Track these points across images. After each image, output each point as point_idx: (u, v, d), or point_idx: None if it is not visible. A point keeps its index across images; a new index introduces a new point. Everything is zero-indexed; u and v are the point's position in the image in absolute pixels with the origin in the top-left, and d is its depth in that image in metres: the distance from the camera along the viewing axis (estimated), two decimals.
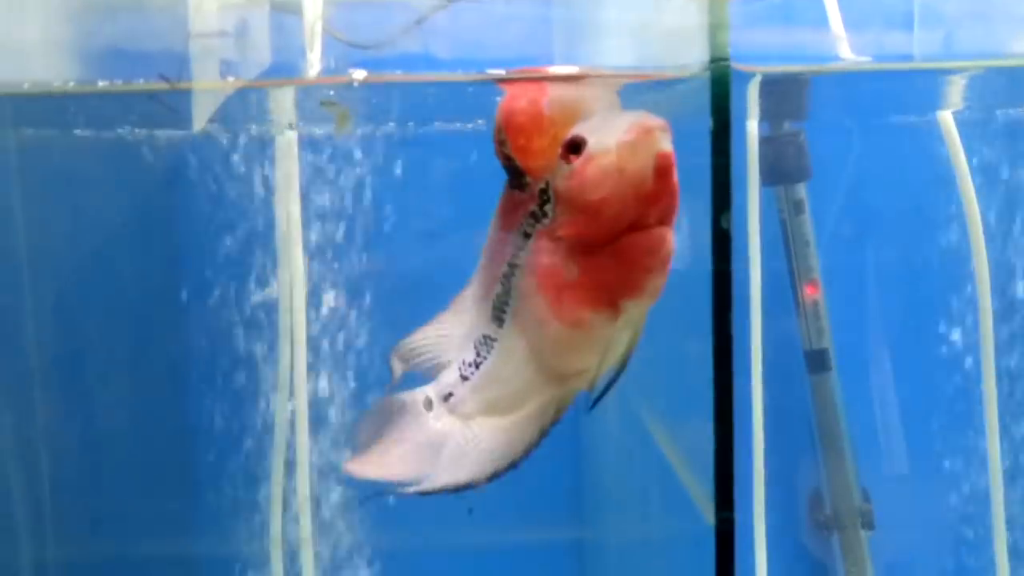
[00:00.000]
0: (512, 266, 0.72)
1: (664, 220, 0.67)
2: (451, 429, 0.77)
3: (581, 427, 1.42)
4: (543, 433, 0.74)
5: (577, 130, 0.68)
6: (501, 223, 0.74)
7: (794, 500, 1.56)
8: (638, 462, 1.10)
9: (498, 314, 0.74)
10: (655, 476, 0.94)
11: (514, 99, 0.71)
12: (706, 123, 0.68)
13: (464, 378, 0.77)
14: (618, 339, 0.70)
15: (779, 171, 1.51)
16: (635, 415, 1.04)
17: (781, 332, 1.52)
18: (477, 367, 0.76)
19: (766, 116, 1.45)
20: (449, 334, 0.78)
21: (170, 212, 1.49)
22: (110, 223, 1.42)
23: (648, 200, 0.65)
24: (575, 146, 0.67)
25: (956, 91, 1.34)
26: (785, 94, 1.39)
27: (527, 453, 0.74)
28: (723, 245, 0.66)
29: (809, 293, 1.53)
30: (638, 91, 0.89)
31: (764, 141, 1.47)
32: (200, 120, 1.37)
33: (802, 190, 1.51)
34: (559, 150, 0.68)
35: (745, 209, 1.45)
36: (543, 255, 0.70)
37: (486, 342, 0.75)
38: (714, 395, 0.65)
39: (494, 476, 0.75)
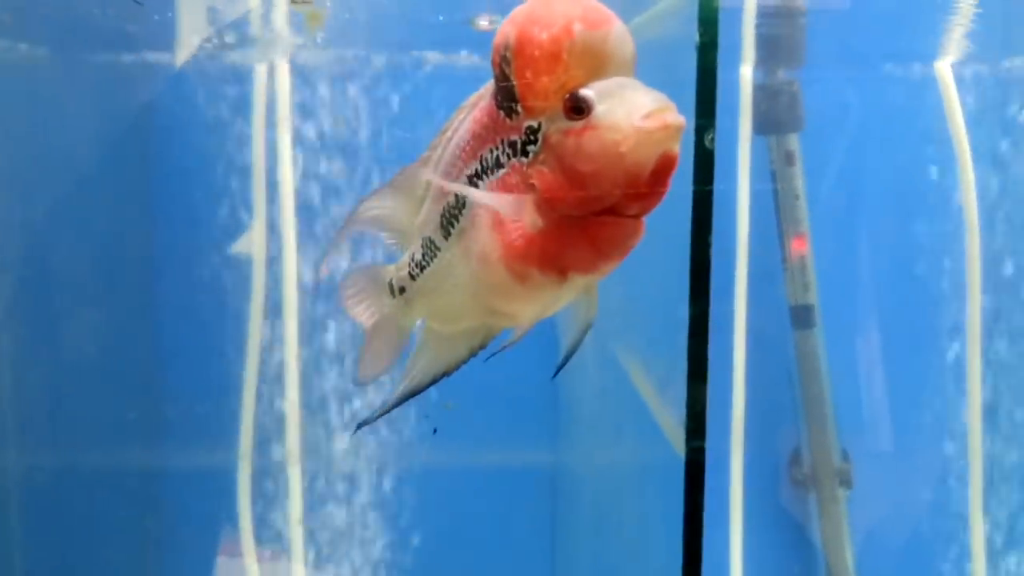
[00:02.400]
0: (472, 181, 0.68)
1: (643, 213, 0.63)
2: (405, 332, 0.76)
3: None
4: (471, 352, 0.73)
5: (590, 89, 0.62)
6: (474, 129, 0.68)
7: (773, 457, 1.53)
8: (612, 394, 1.08)
9: (446, 224, 0.70)
10: (628, 408, 0.91)
11: (536, 25, 0.62)
12: (692, 36, 0.64)
13: (412, 276, 0.75)
14: (558, 298, 0.67)
15: (771, 120, 1.47)
16: (609, 349, 1.02)
17: (766, 286, 1.50)
18: (421, 269, 0.74)
19: (760, 62, 1.41)
20: (398, 213, 0.74)
21: (147, 138, 1.46)
22: (85, 147, 1.38)
23: (638, 193, 0.61)
24: (580, 106, 0.62)
25: (955, 40, 1.30)
26: (781, 37, 1.36)
27: (456, 367, 0.73)
28: (706, 165, 0.63)
29: (796, 248, 1.50)
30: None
31: (757, 88, 1.44)
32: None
33: (794, 141, 1.48)
34: (565, 98, 0.63)
35: (736, 158, 1.42)
36: (509, 195, 0.65)
37: (431, 247, 0.72)
38: (690, 319, 0.62)
39: (430, 384, 0.74)
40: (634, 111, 0.60)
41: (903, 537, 1.55)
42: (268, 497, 1.40)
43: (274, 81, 1.35)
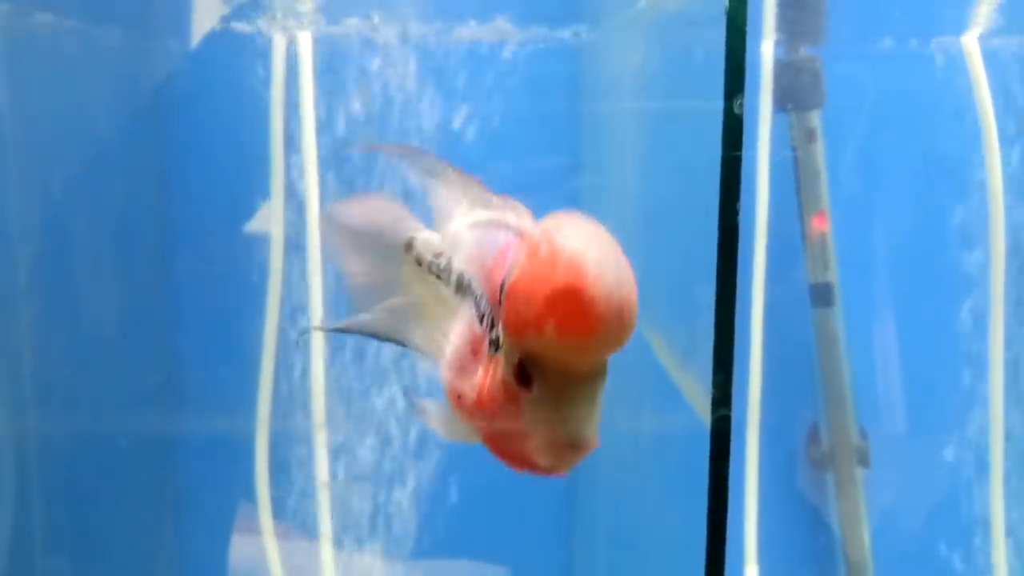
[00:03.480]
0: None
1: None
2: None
3: None
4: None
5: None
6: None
7: (790, 435, 1.53)
8: (630, 363, 1.07)
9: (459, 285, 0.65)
10: (648, 377, 0.91)
11: (570, 307, 0.52)
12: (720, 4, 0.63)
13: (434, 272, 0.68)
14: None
15: (792, 96, 1.46)
16: None
17: (786, 264, 1.49)
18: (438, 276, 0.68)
19: (782, 38, 1.40)
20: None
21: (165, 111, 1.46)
22: (103, 119, 1.38)
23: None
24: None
25: (983, 13, 1.29)
26: (803, 13, 1.34)
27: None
28: (734, 131, 0.62)
29: (816, 225, 1.49)
30: None
31: (779, 65, 1.43)
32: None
33: (815, 118, 1.47)
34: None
35: (756, 135, 1.41)
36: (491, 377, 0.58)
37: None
38: (717, 283, 0.62)
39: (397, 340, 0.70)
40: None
41: (921, 517, 1.55)
42: (289, 466, 1.40)
43: (294, 54, 1.35)
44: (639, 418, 1.02)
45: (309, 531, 1.37)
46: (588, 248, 0.51)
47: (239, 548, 1.41)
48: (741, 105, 0.63)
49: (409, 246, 0.70)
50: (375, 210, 0.74)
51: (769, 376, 1.44)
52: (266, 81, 1.39)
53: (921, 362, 1.52)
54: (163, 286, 1.44)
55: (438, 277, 0.66)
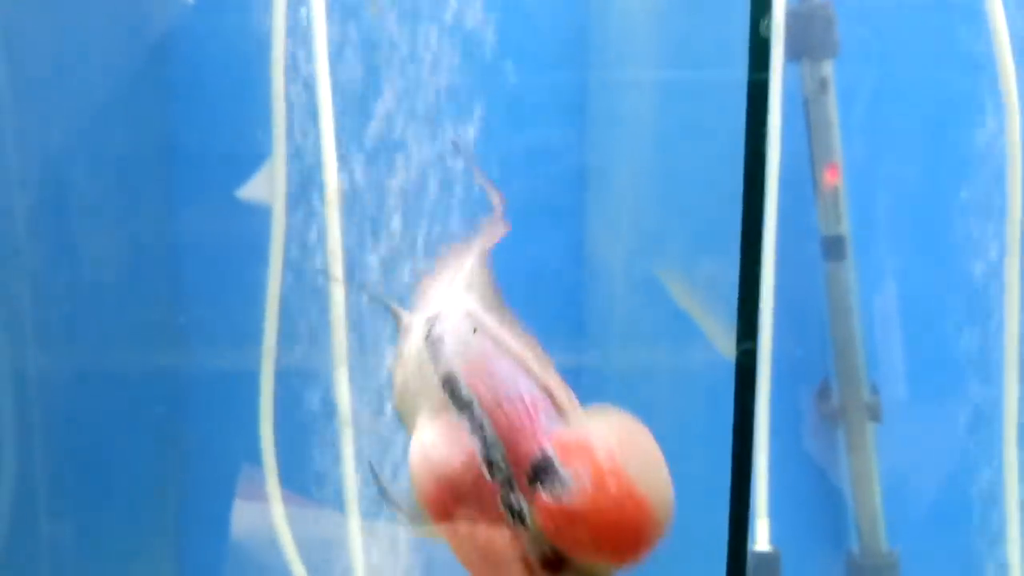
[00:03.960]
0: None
1: None
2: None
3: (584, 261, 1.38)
4: None
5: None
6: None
7: (801, 390, 1.51)
8: (643, 299, 1.05)
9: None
10: (662, 312, 0.89)
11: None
12: None
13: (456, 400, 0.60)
14: None
15: (804, 46, 1.43)
16: (642, 252, 0.99)
17: (797, 217, 1.47)
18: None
19: None
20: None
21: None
22: (103, 68, 1.35)
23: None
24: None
25: None
26: None
27: None
28: (761, 53, 0.60)
29: (828, 178, 1.47)
30: None
31: (790, 13, 1.40)
32: None
33: (828, 67, 1.44)
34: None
35: (768, 84, 1.38)
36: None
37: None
38: (743, 211, 0.60)
39: None
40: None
41: (932, 475, 1.53)
42: (300, 405, 1.37)
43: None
44: (652, 352, 1.00)
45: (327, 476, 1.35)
46: (653, 487, 0.53)
47: (243, 502, 1.40)
48: (768, 27, 0.61)
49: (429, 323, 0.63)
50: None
51: (779, 331, 1.42)
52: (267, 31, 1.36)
53: (933, 318, 1.50)
54: (166, 225, 1.42)
55: (424, 339, 0.61)
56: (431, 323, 0.61)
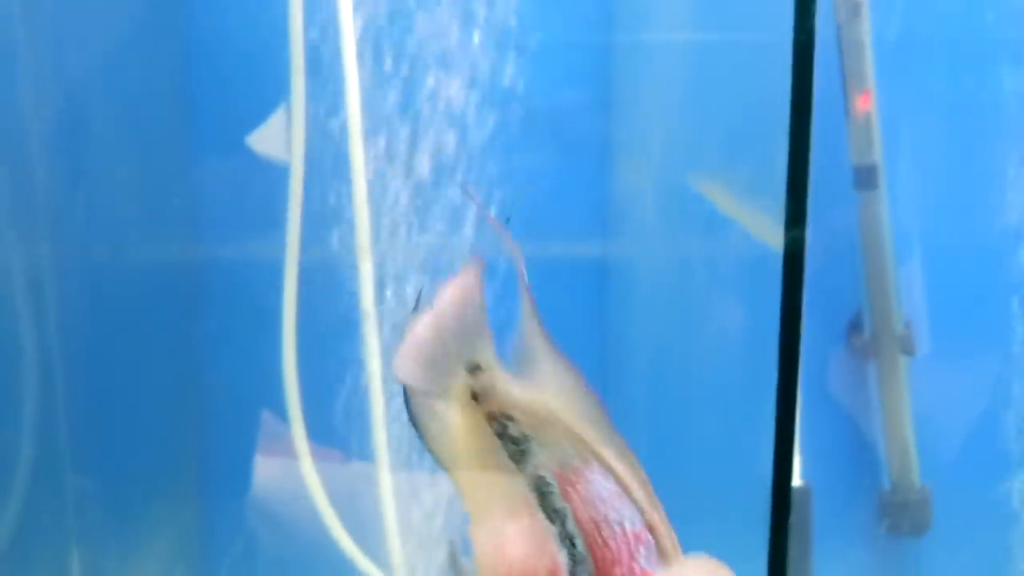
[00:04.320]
0: None
1: None
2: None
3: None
4: None
5: None
6: None
7: (832, 323, 1.48)
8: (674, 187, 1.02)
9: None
10: (694, 200, 0.86)
11: None
12: None
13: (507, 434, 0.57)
14: None
15: None
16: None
17: (828, 145, 1.43)
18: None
19: None
20: None
21: None
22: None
23: None
24: None
25: None
26: None
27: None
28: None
29: (861, 104, 1.43)
30: None
31: None
32: None
33: None
34: None
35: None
36: None
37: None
38: (792, 99, 0.56)
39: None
40: None
41: (966, 411, 1.50)
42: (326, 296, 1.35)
43: None
44: (682, 241, 0.97)
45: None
46: None
47: (265, 446, 1.39)
48: None
49: (474, 368, 0.58)
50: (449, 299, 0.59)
51: (810, 263, 1.39)
52: None
53: (970, 247, 1.46)
54: (185, 157, 1.39)
55: (499, 436, 0.57)
56: (503, 419, 0.57)
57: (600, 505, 0.54)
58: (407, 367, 0.56)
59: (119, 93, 1.28)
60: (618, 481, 0.55)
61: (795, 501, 1.37)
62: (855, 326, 1.47)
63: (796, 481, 1.37)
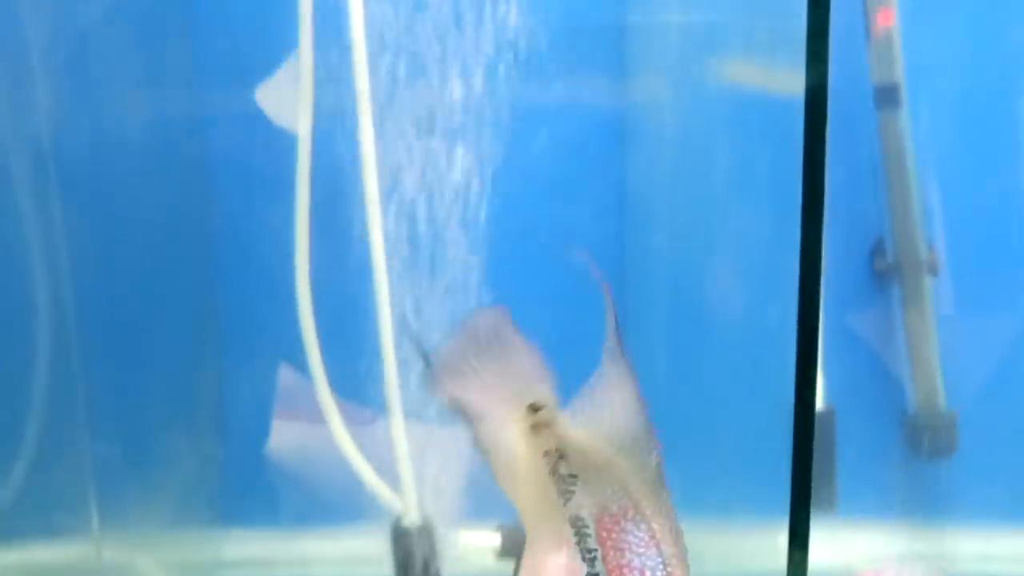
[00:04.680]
0: None
1: None
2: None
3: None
4: None
5: None
6: None
7: (855, 247, 1.45)
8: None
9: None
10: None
11: None
12: None
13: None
14: None
15: None
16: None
17: (848, 63, 1.40)
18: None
19: None
20: None
21: None
22: None
23: None
24: None
25: None
26: None
27: None
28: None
29: (882, 21, 1.39)
30: None
31: None
32: None
33: None
34: None
35: None
36: None
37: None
38: None
39: None
40: None
41: (992, 334, 1.48)
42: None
43: None
44: (701, 92, 0.95)
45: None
46: None
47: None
48: None
49: (534, 409, 0.59)
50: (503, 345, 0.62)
51: (832, 185, 1.36)
52: None
53: (994, 167, 1.43)
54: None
55: (551, 472, 0.59)
56: (556, 456, 0.58)
57: (627, 552, 0.56)
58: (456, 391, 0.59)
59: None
60: (650, 531, 0.57)
61: (819, 424, 1.35)
62: (878, 250, 1.45)
63: (819, 404, 1.36)
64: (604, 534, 0.56)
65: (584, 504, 0.57)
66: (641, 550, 0.56)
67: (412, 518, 1.29)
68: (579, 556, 0.57)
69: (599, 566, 0.56)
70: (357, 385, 1.35)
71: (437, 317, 1.41)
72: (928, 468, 1.44)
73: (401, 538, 1.28)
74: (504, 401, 0.59)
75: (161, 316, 1.35)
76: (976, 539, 1.47)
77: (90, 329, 1.21)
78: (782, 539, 0.76)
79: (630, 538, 0.56)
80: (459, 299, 1.40)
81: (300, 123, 1.28)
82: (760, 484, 0.97)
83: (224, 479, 1.54)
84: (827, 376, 1.36)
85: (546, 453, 0.58)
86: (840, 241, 1.41)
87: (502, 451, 0.59)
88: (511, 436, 0.58)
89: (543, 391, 0.59)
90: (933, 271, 1.41)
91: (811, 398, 0.86)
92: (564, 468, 0.58)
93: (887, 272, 1.43)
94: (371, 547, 1.33)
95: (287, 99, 1.28)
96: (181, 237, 1.40)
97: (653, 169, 1.38)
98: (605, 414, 0.59)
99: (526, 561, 0.58)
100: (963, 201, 1.45)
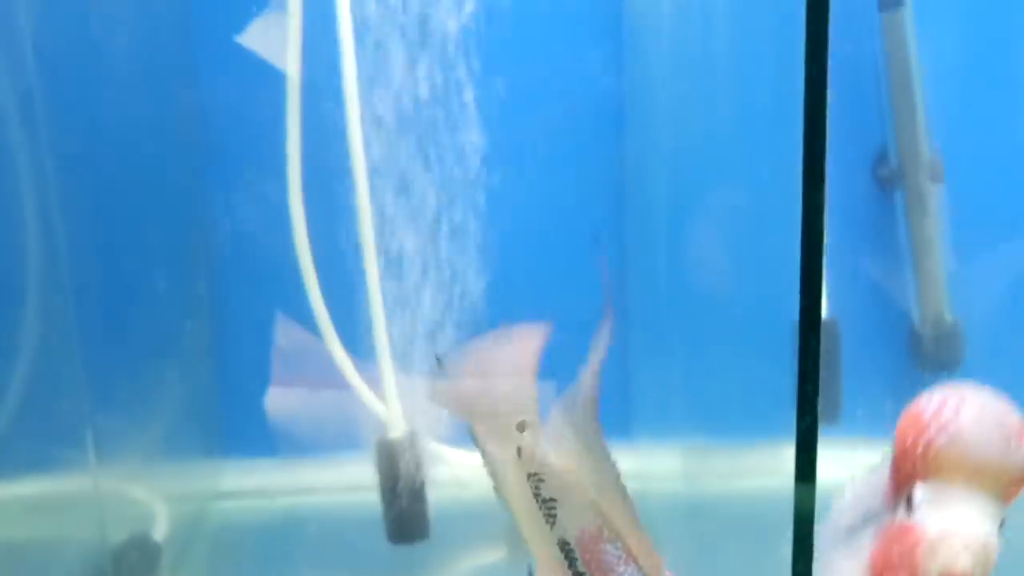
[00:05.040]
0: None
1: None
2: None
3: None
4: None
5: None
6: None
7: (857, 156, 1.42)
8: None
9: None
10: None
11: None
12: None
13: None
14: None
15: None
16: None
17: None
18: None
19: None
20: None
21: None
22: None
23: None
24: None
25: None
26: None
27: None
28: None
29: None
30: None
31: None
32: None
33: None
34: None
35: None
36: None
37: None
38: None
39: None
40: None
41: (996, 243, 1.45)
42: None
43: None
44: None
45: None
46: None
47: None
48: None
49: (520, 428, 0.65)
50: (499, 362, 0.68)
51: (834, 92, 1.32)
52: None
53: (1001, 68, 1.39)
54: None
55: (535, 495, 0.64)
56: (537, 480, 0.64)
57: (611, 572, 0.61)
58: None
59: None
60: (626, 548, 0.62)
61: (823, 337, 1.33)
62: (881, 158, 1.41)
63: (823, 315, 1.33)
64: (587, 556, 0.61)
65: (567, 528, 0.62)
66: (622, 568, 0.61)
67: (397, 431, 1.29)
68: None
69: None
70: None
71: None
72: (933, 380, 1.42)
73: (385, 450, 1.29)
74: (498, 423, 0.65)
75: (153, 242, 1.33)
76: None
77: (81, 256, 1.18)
78: (789, 455, 0.75)
79: (610, 557, 0.61)
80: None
81: (288, 64, 1.27)
82: (765, 395, 0.95)
83: (221, 409, 1.53)
84: (830, 288, 1.33)
85: (529, 476, 0.63)
86: (843, 150, 1.37)
87: (502, 479, 0.65)
88: (506, 461, 0.65)
89: (531, 413, 0.64)
90: (937, 178, 1.37)
91: (817, 315, 0.83)
92: (545, 491, 0.63)
93: (890, 180, 1.40)
94: (368, 475, 1.33)
95: (276, 38, 1.26)
96: (172, 157, 1.38)
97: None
98: (569, 433, 0.64)
99: None
100: (969, 107, 1.41)
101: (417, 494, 1.29)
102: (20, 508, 1.11)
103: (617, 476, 0.63)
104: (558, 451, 0.64)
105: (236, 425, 1.51)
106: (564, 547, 0.63)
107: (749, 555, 1.01)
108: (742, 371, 1.26)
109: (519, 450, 0.64)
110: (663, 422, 1.40)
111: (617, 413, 1.50)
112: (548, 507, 0.64)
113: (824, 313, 1.33)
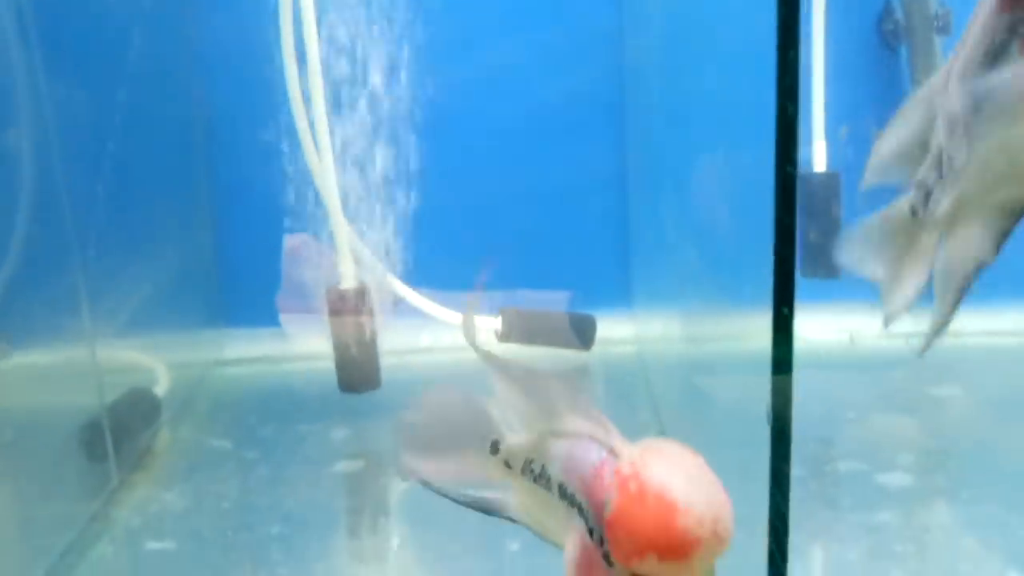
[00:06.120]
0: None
1: None
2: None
3: None
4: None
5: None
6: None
7: (861, 10, 1.38)
8: None
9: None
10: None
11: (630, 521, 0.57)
12: None
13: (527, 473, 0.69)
14: None
15: None
16: None
17: None
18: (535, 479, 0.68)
19: None
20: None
21: None
22: None
23: None
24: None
25: None
26: None
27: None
28: None
29: None
30: None
31: None
32: None
33: None
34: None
35: None
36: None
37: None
38: None
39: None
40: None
41: None
42: None
43: None
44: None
45: None
46: (673, 479, 0.56)
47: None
48: None
49: (495, 448, 0.72)
50: (451, 411, 0.74)
51: None
52: None
53: None
54: None
55: (535, 481, 0.69)
56: (528, 468, 0.69)
57: (579, 464, 0.63)
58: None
59: None
60: (588, 437, 0.64)
61: (823, 189, 1.31)
62: (886, 13, 1.37)
63: (823, 167, 1.32)
64: (571, 478, 0.64)
65: (553, 472, 0.66)
66: (583, 451, 0.63)
67: (348, 282, 1.31)
68: (575, 510, 0.64)
69: (579, 498, 0.63)
70: None
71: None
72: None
73: (336, 300, 1.31)
74: (474, 460, 0.72)
75: (151, 110, 1.31)
76: (980, 316, 1.45)
77: (75, 122, 1.16)
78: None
79: (578, 452, 0.63)
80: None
81: None
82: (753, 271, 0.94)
83: (220, 280, 1.53)
84: (831, 142, 1.31)
85: (523, 472, 0.69)
86: (846, 5, 1.34)
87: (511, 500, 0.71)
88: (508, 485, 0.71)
89: (495, 432, 0.71)
90: (944, 30, 1.33)
91: (791, 183, 0.81)
92: (536, 467, 0.68)
93: (895, 32, 1.36)
94: None
95: None
96: (167, 37, 1.36)
97: None
98: (512, 397, 0.69)
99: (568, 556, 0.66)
100: None
101: (367, 346, 1.30)
102: (18, 376, 1.11)
103: (567, 384, 0.66)
104: (513, 421, 0.70)
105: (237, 296, 1.51)
106: (561, 490, 0.66)
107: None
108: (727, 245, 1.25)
109: (505, 463, 0.70)
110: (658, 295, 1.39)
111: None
112: (543, 475, 0.68)
113: (824, 166, 1.31)
